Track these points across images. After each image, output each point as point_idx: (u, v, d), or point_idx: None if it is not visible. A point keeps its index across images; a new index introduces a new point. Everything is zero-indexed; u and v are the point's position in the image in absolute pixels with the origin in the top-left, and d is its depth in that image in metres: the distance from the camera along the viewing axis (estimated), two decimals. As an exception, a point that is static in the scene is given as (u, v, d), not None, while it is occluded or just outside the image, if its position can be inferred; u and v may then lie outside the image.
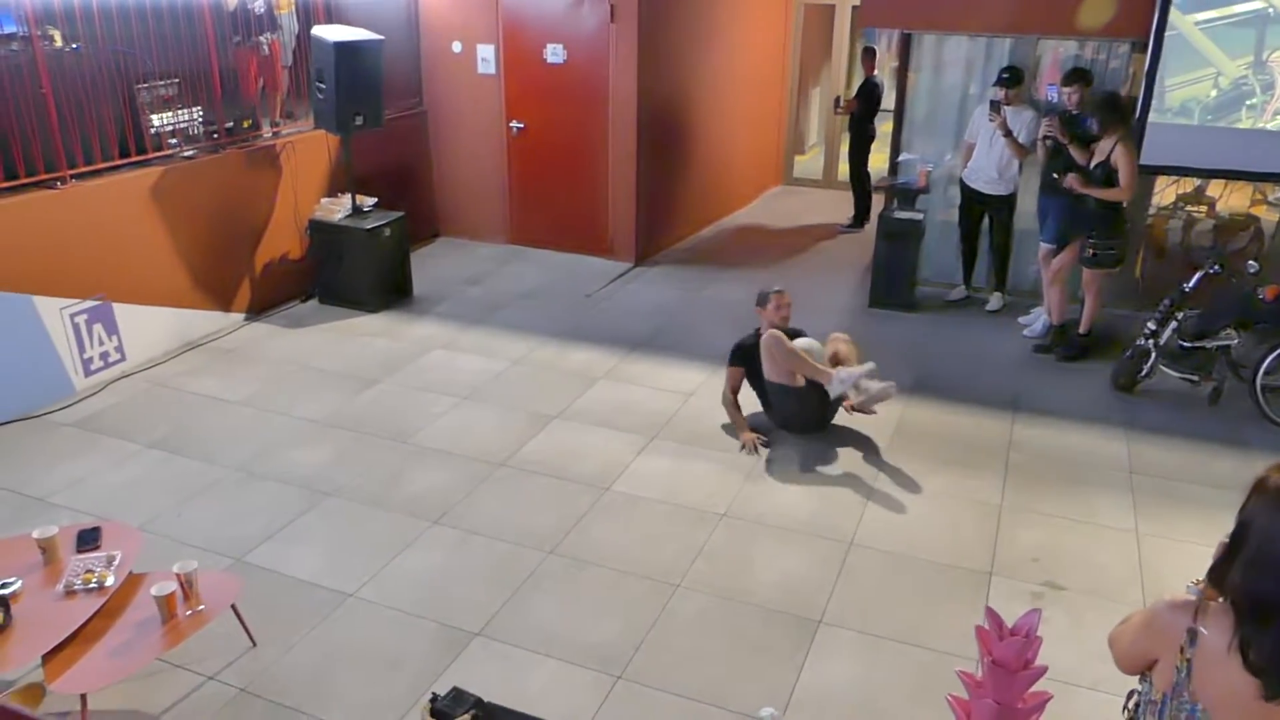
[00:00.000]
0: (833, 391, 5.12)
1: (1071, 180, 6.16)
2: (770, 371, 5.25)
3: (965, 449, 5.27)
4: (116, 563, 3.47)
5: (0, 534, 4.18)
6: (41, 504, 4.60)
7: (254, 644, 3.65)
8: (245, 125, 6.81)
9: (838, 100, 10.09)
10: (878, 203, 8.51)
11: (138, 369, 6.02)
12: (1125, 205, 6.29)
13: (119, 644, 3.20)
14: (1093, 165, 6.15)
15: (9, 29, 5.54)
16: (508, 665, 3.63)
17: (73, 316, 5.60)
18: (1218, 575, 1.79)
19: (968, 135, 7.20)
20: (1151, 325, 5.88)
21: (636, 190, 8.15)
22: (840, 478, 4.97)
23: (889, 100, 8.98)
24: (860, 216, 9.68)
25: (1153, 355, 5.85)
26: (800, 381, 5.19)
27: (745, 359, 5.39)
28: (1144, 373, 5.91)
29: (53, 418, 5.44)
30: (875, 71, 9.37)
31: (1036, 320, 6.88)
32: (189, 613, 3.32)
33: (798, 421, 5.40)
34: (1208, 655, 1.76)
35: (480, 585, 4.08)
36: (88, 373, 5.74)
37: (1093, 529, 4.55)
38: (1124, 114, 6.27)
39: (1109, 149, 6.05)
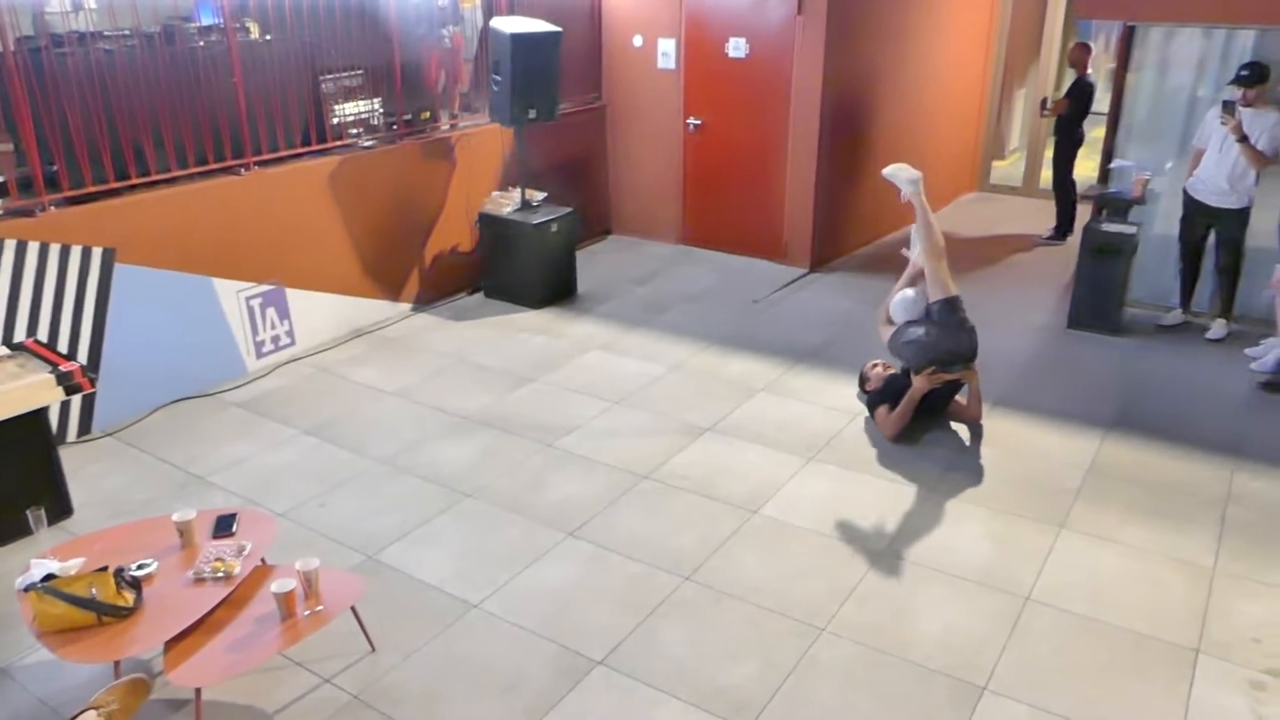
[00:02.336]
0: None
1: None
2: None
3: (1173, 498, 4.59)
4: (246, 552, 3.44)
5: (162, 509, 4.29)
6: (201, 482, 4.72)
7: (373, 649, 3.55)
8: (424, 117, 6.87)
9: (1044, 101, 9.26)
10: (1083, 214, 7.71)
11: (306, 354, 6.16)
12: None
13: (238, 638, 3.14)
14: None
15: (210, 21, 5.77)
16: (628, 701, 3.36)
17: (248, 299, 5.78)
18: None
19: (1196, 141, 6.38)
20: None
21: (815, 192, 7.73)
22: (1021, 520, 4.42)
23: (1103, 102, 8.14)
24: (1063, 228, 8.86)
25: None
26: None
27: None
28: (1405, 424, 5.00)
29: (225, 396, 5.62)
30: (1088, 70, 8.53)
31: (1269, 353, 5.98)
32: (308, 612, 3.24)
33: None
34: None
35: (609, 608, 3.84)
36: (259, 355, 5.91)
37: (1331, 609, 3.83)
38: None
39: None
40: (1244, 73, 5.97)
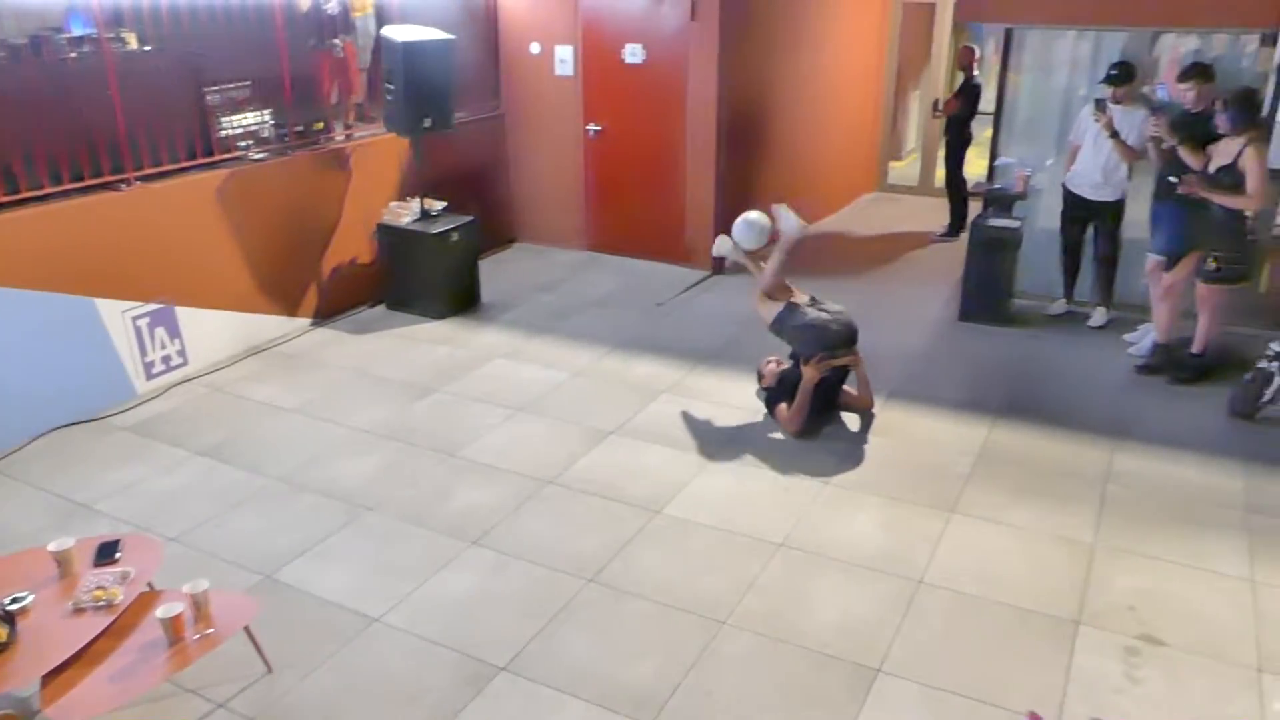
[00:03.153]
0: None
1: (1193, 184, 5.57)
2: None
3: (1057, 479, 4.78)
4: (130, 579, 3.34)
5: (42, 541, 4.12)
6: (86, 510, 4.56)
7: (269, 669, 3.48)
8: (317, 128, 6.76)
9: (936, 103, 9.57)
10: (974, 211, 7.99)
11: (199, 373, 5.99)
12: (1251, 215, 5.66)
13: (121, 667, 3.05)
14: (1217, 169, 5.55)
15: (81, 31, 5.58)
16: (531, 705, 3.36)
17: (135, 319, 5.60)
18: None
19: (1073, 137, 6.65)
20: (1276, 346, 5.27)
21: (716, 195, 7.83)
22: (914, 507, 4.55)
23: (988, 103, 8.45)
24: (956, 225, 9.14)
25: (1276, 380, 5.24)
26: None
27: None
28: (1266, 399, 5.29)
29: (112, 420, 5.43)
30: (975, 72, 8.84)
31: (1144, 338, 6.29)
32: (198, 636, 3.16)
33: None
34: None
35: (512, 614, 3.83)
36: (149, 376, 5.73)
37: (1201, 575, 4.03)
38: (1258, 113, 5.65)
39: (1236, 152, 5.45)
40: (1113, 72, 6.25)
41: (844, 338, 5.25)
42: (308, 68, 6.64)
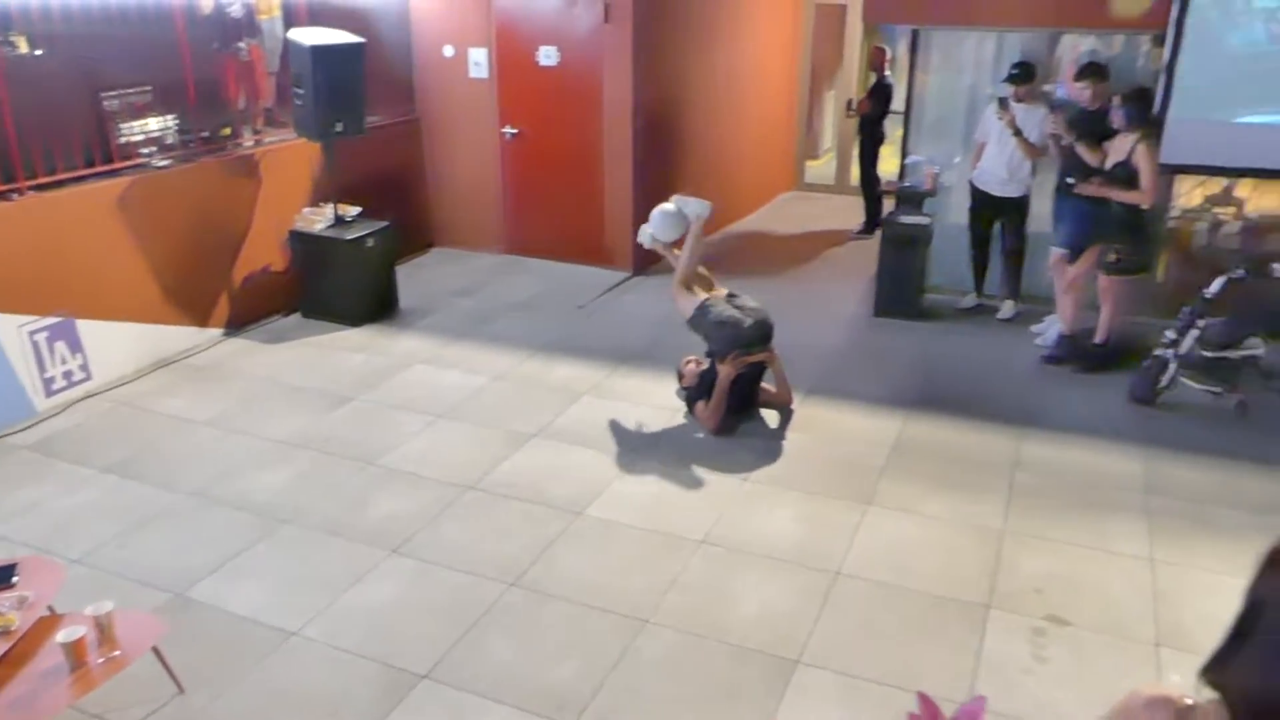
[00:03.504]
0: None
1: (1086, 186, 5.79)
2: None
3: (968, 469, 4.92)
4: (28, 604, 3.22)
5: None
6: (-17, 533, 4.38)
7: (181, 690, 3.38)
8: (224, 133, 6.60)
9: (850, 102, 9.76)
10: (889, 208, 8.17)
11: (104, 388, 5.80)
12: (1148, 208, 5.89)
13: (19, 696, 2.94)
14: (1113, 166, 5.77)
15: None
16: (453, 711, 3.34)
17: (32, 334, 5.39)
18: (1217, 667, 1.43)
19: (978, 135, 6.85)
20: (1171, 334, 5.50)
21: (633, 196, 7.86)
22: (831, 500, 4.64)
23: (900, 102, 8.65)
24: (871, 222, 9.33)
25: (1172, 366, 5.47)
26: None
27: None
28: (1164, 385, 5.52)
29: (10, 440, 5.22)
30: (887, 72, 9.04)
31: (1049, 329, 6.50)
32: (102, 660, 3.06)
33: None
34: None
35: (433, 621, 3.79)
36: (49, 393, 5.52)
37: (1104, 556, 4.19)
38: (1150, 111, 5.88)
39: (1129, 148, 5.67)
40: (1014, 71, 6.45)
41: (759, 335, 5.32)
42: (212, 72, 6.48)
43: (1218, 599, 3.74)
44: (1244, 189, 6.88)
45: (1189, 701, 1.40)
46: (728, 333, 5.27)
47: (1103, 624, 3.75)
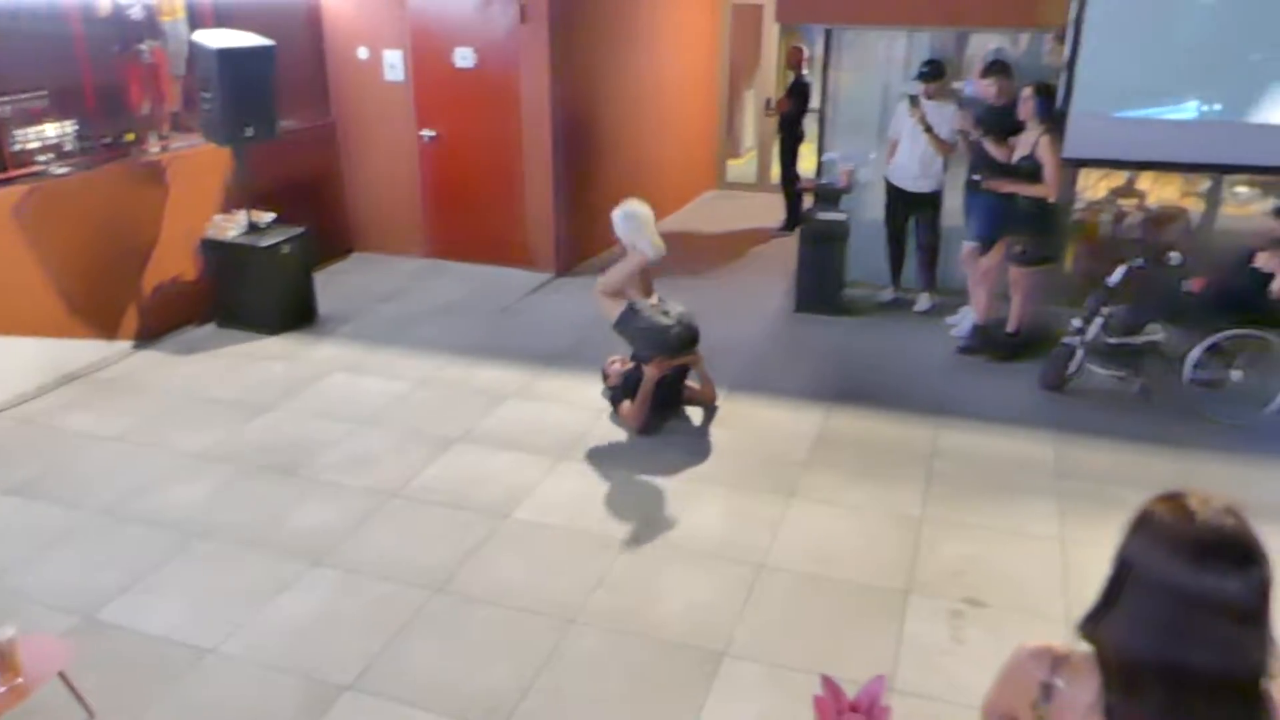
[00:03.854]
0: None
1: (994, 183, 5.96)
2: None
3: (887, 458, 5.02)
4: (-75, 631, 3.08)
5: None
6: (-124, 560, 4.18)
7: (91, 715, 3.27)
8: (128, 139, 6.40)
9: (768, 102, 9.88)
10: (809, 205, 8.29)
11: (4, 406, 5.56)
12: (1053, 201, 6.09)
13: (-84, 727, 2.81)
14: (1018, 160, 5.95)
15: None
16: (379, 722, 3.29)
17: (-75, 352, 5.17)
18: (1090, 624, 1.51)
19: (891, 132, 6.99)
20: (1078, 322, 5.69)
21: (554, 198, 7.85)
22: (756, 495, 4.69)
23: (817, 100, 8.78)
24: (792, 219, 9.46)
25: (1079, 353, 5.65)
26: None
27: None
28: (1072, 372, 5.71)
29: (-94, 462, 5.00)
30: (804, 71, 9.18)
31: (964, 320, 6.67)
32: (4, 688, 2.94)
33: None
34: (1065, 713, 1.48)
35: (357, 632, 3.73)
36: (-53, 412, 5.30)
37: (1017, 539, 4.31)
38: (1052, 106, 6.07)
39: (1033, 143, 5.85)
40: (924, 70, 6.60)
41: (685, 341, 5.33)
42: (113, 75, 6.27)
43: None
44: (1145, 181, 7.16)
45: (1066, 650, 1.48)
46: (653, 339, 5.27)
47: (1017, 604, 3.87)
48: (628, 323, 5.32)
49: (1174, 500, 1.43)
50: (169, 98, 6.79)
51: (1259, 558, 1.37)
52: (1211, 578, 1.35)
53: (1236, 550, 1.37)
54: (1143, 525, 1.46)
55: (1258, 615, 1.36)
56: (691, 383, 5.56)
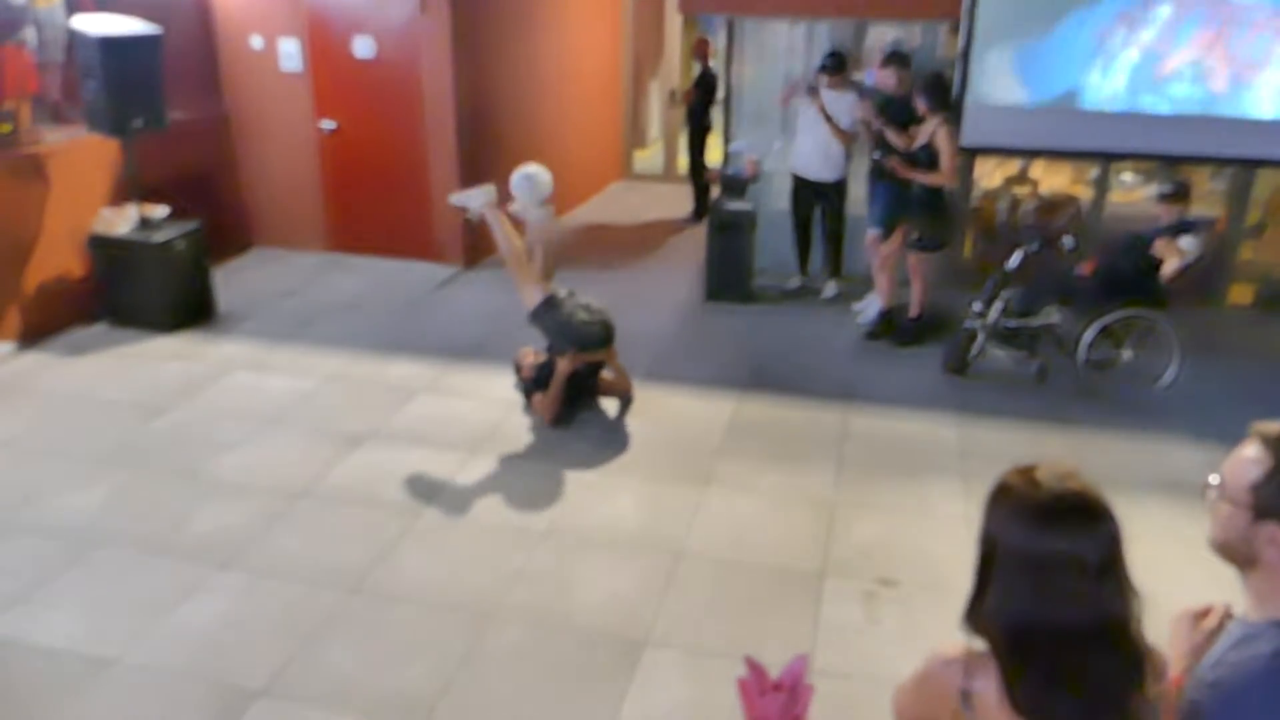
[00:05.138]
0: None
1: (894, 163, 6.11)
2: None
3: (798, 443, 5.11)
4: None
5: None
6: None
7: (-18, 734, 3.11)
8: (4, 131, 6.07)
9: (673, 92, 9.92)
10: (716, 195, 8.36)
11: (-124, 414, 5.25)
12: (949, 188, 6.27)
13: None
14: (917, 149, 6.10)
15: None
16: (293, 728, 3.21)
17: None
18: (973, 615, 1.56)
19: (800, 125, 7.08)
20: (978, 306, 5.87)
21: (460, 189, 7.70)
22: (672, 484, 4.72)
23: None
24: (700, 209, 9.53)
25: (980, 336, 5.84)
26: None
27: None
28: (973, 354, 5.89)
29: None
30: (710, 62, 9.24)
31: (869, 307, 6.83)
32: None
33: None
34: (989, 714, 1.52)
35: (268, 636, 3.63)
36: None
37: (926, 519, 4.44)
38: (948, 96, 6.24)
39: (931, 132, 6.01)
40: (827, 62, 6.70)
41: (601, 339, 5.32)
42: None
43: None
44: (1038, 169, 7.43)
45: (974, 653, 1.52)
46: (570, 334, 5.22)
47: (927, 581, 3.98)
48: (544, 315, 5.27)
49: (1022, 473, 1.50)
50: (42, 87, 6.46)
51: (1104, 514, 1.46)
52: (1064, 539, 1.43)
53: (1083, 511, 1.45)
54: (998, 500, 1.53)
55: (1111, 567, 1.44)
56: (606, 374, 5.56)
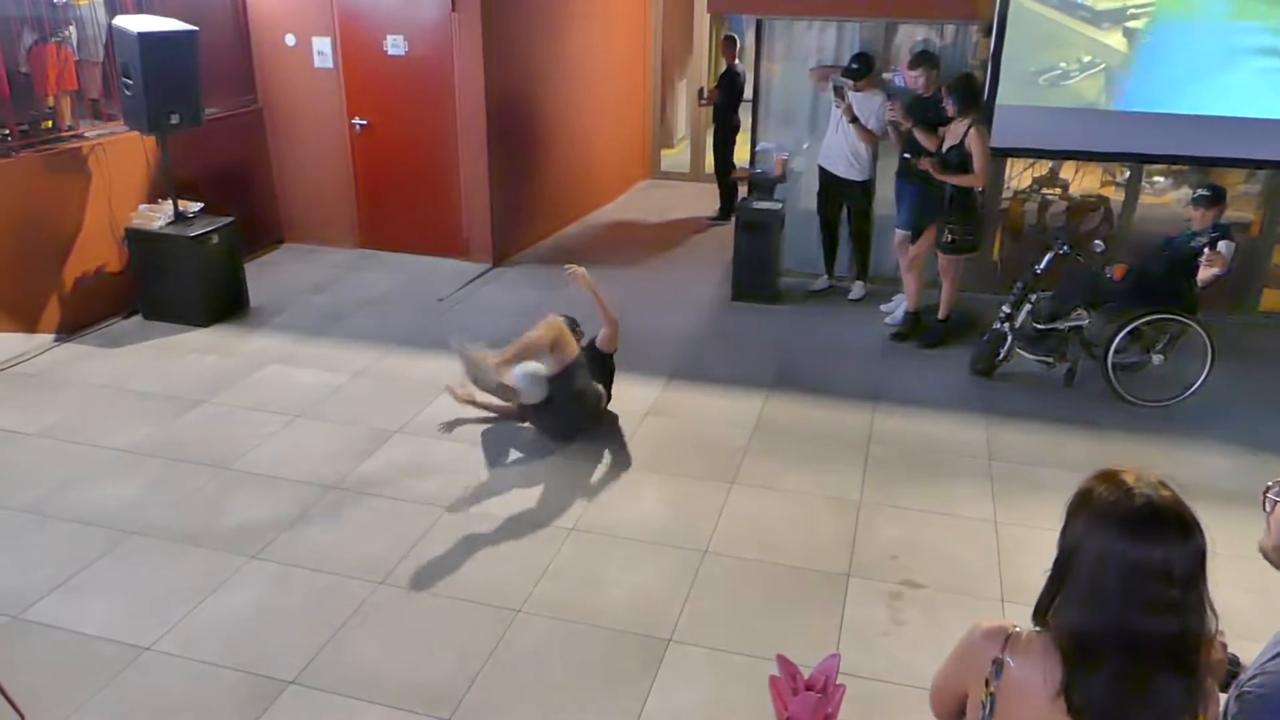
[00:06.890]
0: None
1: (926, 163, 6.08)
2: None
3: (825, 444, 5.11)
4: None
5: None
6: None
7: (22, 716, 3.17)
8: (45, 127, 6.18)
9: (701, 91, 9.92)
10: (744, 194, 8.36)
11: (-81, 402, 5.37)
12: (980, 190, 6.24)
13: None
14: (946, 150, 6.08)
15: None
16: (324, 715, 3.26)
17: None
18: (1043, 611, 1.58)
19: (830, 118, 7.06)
20: (1006, 308, 5.84)
21: (490, 187, 7.79)
22: (697, 482, 4.74)
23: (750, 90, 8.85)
24: (726, 208, 9.52)
25: (1008, 339, 5.82)
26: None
27: None
28: (1001, 356, 5.87)
29: None
30: (736, 61, 9.23)
31: (897, 308, 6.81)
32: (-70, 690, 2.85)
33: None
34: (1015, 690, 1.55)
35: (298, 626, 3.69)
36: None
37: (952, 521, 4.44)
38: (978, 97, 6.21)
39: (962, 133, 5.98)
40: (854, 65, 6.67)
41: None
42: (26, 61, 6.05)
43: (1053, 553, 4.01)
44: (1068, 171, 7.38)
45: (1018, 629, 1.55)
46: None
47: (953, 585, 3.98)
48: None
49: (1111, 478, 1.50)
50: (84, 84, 6.57)
51: (1195, 527, 1.46)
52: (1157, 548, 1.43)
53: (1176, 520, 1.45)
54: (1083, 505, 1.53)
55: (1196, 580, 1.45)
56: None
